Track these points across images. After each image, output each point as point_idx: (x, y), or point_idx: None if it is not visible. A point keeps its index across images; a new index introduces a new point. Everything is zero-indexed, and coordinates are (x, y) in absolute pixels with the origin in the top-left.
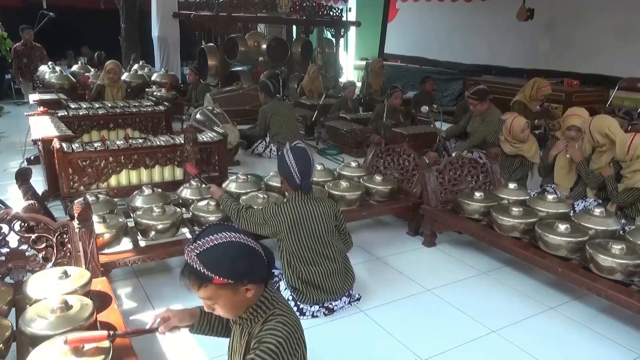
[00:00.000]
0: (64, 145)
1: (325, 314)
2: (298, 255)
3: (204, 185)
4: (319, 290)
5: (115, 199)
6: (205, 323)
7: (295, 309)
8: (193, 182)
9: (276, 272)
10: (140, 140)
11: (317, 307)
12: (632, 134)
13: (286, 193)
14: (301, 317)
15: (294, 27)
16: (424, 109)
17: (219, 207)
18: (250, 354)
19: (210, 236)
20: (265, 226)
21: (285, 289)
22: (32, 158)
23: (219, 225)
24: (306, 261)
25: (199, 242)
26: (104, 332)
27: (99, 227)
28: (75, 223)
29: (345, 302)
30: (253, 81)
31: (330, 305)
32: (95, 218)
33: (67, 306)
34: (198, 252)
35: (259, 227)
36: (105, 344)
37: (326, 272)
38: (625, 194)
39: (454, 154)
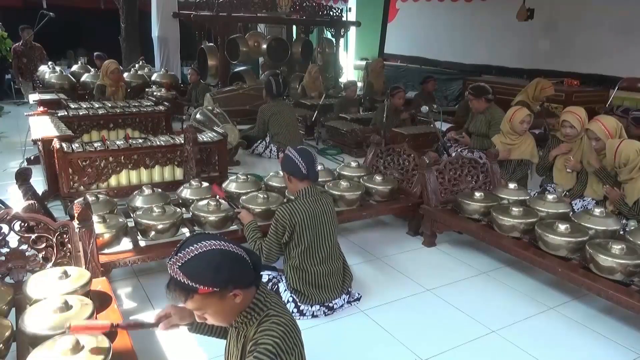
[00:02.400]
0: (64, 145)
1: (325, 313)
2: (309, 254)
3: (235, 210)
4: (321, 290)
5: (115, 199)
6: (204, 323)
7: (295, 310)
8: (222, 201)
9: (273, 273)
10: (140, 140)
11: (317, 306)
12: (619, 140)
13: (288, 192)
14: (301, 317)
15: (294, 27)
16: (424, 109)
17: (218, 208)
18: (248, 356)
19: (191, 247)
20: (285, 231)
21: (285, 290)
22: (32, 158)
23: (198, 235)
24: (315, 261)
25: (180, 254)
26: (107, 322)
27: (99, 227)
28: (75, 223)
29: (344, 300)
30: (256, 81)
31: (330, 304)
32: (95, 218)
33: (67, 306)
34: (180, 264)
35: (279, 241)
36: (106, 343)
37: (330, 271)
38: (636, 208)
39: (453, 154)
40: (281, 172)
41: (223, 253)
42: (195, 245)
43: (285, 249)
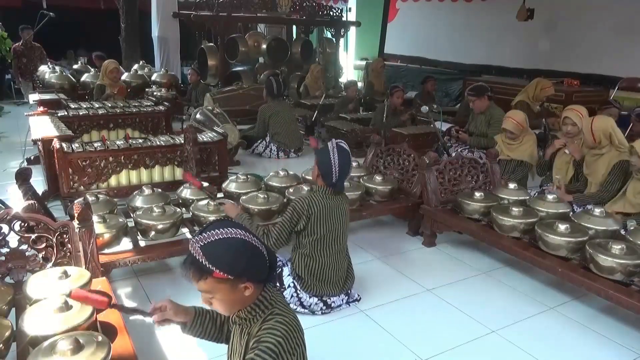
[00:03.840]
0: (64, 145)
1: (322, 311)
2: (321, 244)
3: (216, 202)
4: (323, 283)
5: (115, 199)
6: (198, 325)
7: (295, 295)
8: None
9: (279, 257)
10: (140, 140)
11: (315, 299)
12: (591, 119)
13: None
14: (299, 308)
15: (294, 27)
16: (424, 109)
17: (219, 208)
18: (250, 353)
19: (217, 230)
20: (301, 219)
21: (288, 275)
22: (32, 158)
23: (226, 221)
24: (325, 253)
25: (204, 234)
26: (106, 299)
27: (99, 227)
28: (75, 223)
29: (343, 301)
30: (254, 81)
31: (328, 301)
32: (95, 218)
33: (67, 306)
34: (202, 244)
35: (291, 229)
36: (105, 343)
37: (335, 266)
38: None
39: (453, 154)
40: (281, 172)
41: (245, 244)
42: (221, 229)
43: (297, 237)
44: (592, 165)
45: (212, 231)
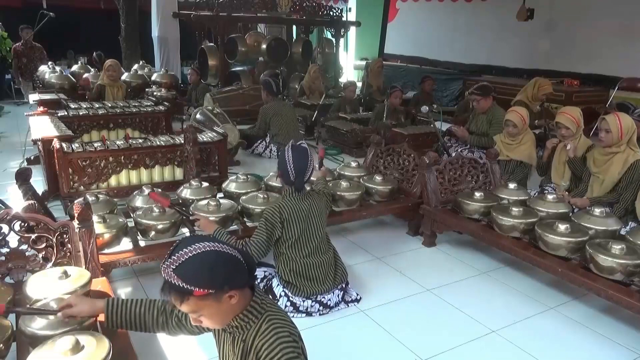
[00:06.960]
0: (64, 145)
1: (320, 312)
2: (298, 246)
3: (191, 216)
4: (312, 282)
5: (115, 199)
6: (117, 318)
7: (288, 304)
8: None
9: (269, 270)
10: (140, 140)
11: (310, 301)
12: (615, 116)
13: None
14: (296, 313)
15: (294, 27)
16: (424, 109)
17: (219, 208)
18: None
19: (185, 249)
20: (275, 228)
21: (278, 285)
22: (32, 158)
23: (191, 237)
24: (303, 253)
25: (173, 257)
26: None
27: (99, 227)
28: (75, 223)
29: (338, 297)
30: (253, 81)
31: (323, 300)
32: (95, 218)
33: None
34: (174, 267)
35: (269, 239)
36: (105, 343)
37: (319, 264)
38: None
39: (453, 154)
40: None
41: (218, 254)
42: (189, 247)
43: (275, 245)
44: (603, 164)
45: (181, 252)
